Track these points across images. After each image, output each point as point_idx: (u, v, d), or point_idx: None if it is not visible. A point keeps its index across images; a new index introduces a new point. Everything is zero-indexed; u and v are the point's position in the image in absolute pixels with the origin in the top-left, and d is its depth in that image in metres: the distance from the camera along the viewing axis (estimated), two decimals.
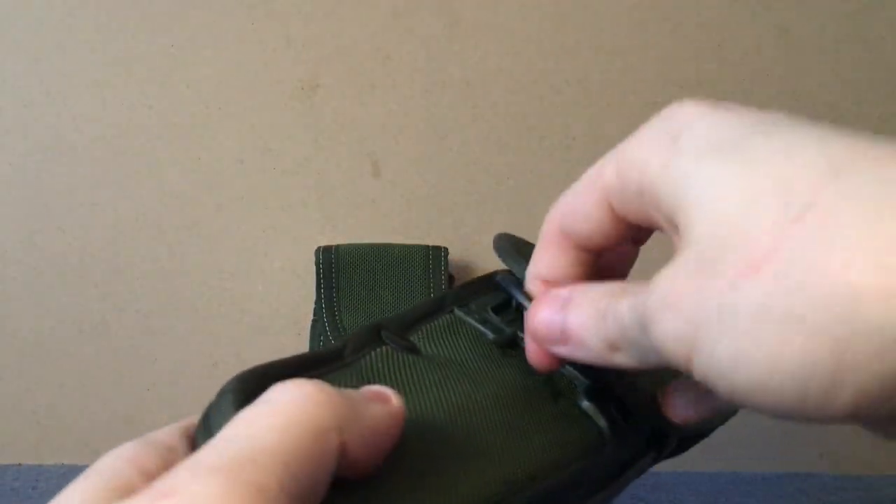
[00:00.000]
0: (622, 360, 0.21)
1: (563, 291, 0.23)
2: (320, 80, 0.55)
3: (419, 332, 0.27)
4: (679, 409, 0.26)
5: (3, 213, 0.55)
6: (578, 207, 0.23)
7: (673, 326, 0.17)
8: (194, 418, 0.20)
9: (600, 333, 0.21)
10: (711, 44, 0.55)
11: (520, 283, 0.27)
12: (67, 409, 0.57)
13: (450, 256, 0.53)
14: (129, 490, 0.17)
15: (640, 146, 0.20)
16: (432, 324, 0.27)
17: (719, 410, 0.25)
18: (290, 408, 0.17)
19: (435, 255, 0.52)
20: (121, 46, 0.54)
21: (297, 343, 0.56)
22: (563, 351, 0.23)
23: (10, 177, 0.54)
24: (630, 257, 0.27)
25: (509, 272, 0.28)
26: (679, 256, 0.18)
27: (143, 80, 0.54)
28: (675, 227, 0.19)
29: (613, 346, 0.21)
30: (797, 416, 0.16)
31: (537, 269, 0.25)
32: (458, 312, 0.28)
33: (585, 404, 0.26)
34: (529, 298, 0.25)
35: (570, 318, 0.22)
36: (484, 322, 0.28)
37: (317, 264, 0.52)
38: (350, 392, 0.19)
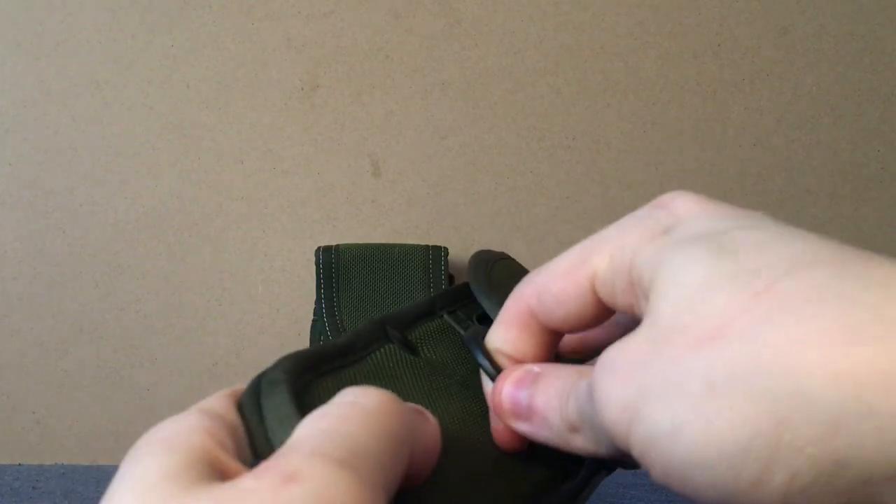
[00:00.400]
0: (580, 443, 0.21)
1: (535, 367, 0.23)
2: (320, 80, 0.55)
3: (415, 333, 0.27)
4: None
5: (3, 213, 0.55)
6: (557, 291, 0.22)
7: (617, 393, 0.18)
8: (235, 390, 0.20)
9: (563, 413, 0.21)
10: (711, 44, 0.55)
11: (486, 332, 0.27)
12: (67, 409, 0.57)
13: (450, 256, 0.53)
14: (218, 467, 0.16)
15: (634, 234, 0.21)
16: (426, 326, 0.28)
17: None
18: (379, 415, 0.17)
19: (435, 255, 0.52)
20: (121, 46, 0.54)
21: (297, 343, 0.56)
22: (525, 428, 0.23)
23: (10, 177, 0.54)
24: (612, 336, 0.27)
25: (477, 330, 0.27)
26: (634, 331, 0.18)
27: (143, 80, 0.54)
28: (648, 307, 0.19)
29: (573, 427, 0.21)
30: (728, 499, 0.16)
31: (499, 346, 0.24)
32: (447, 318, 0.28)
33: None
34: (495, 366, 0.24)
35: (537, 394, 0.22)
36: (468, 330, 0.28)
37: (317, 264, 0.52)
38: (409, 407, 0.20)
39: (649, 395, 0.17)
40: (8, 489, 0.54)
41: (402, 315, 0.27)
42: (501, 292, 0.28)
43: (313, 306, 0.53)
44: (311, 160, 0.55)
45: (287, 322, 0.57)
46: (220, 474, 0.16)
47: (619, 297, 0.21)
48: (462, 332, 0.28)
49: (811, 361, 0.14)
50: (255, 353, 0.57)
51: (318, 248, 0.52)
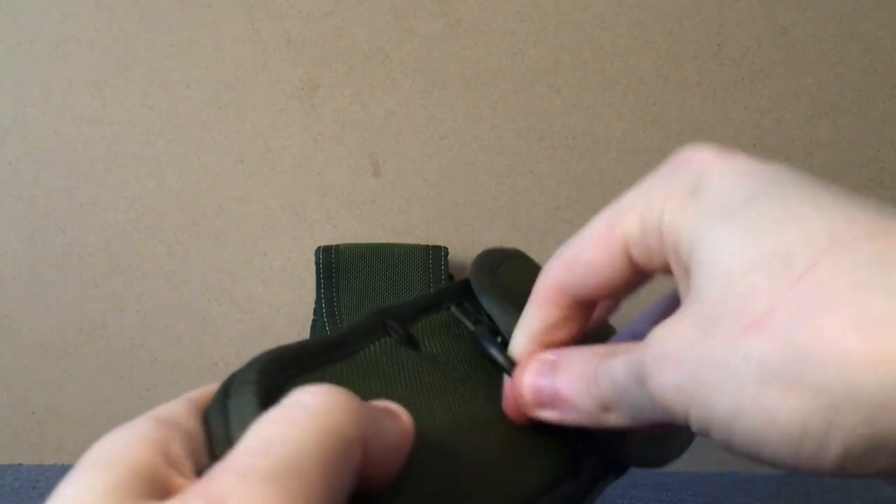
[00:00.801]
0: (614, 420, 0.21)
1: (549, 355, 0.23)
2: (320, 80, 0.55)
3: (418, 326, 0.26)
4: (636, 455, 0.26)
5: (3, 213, 0.55)
6: (589, 260, 0.22)
7: (672, 380, 0.18)
8: (202, 392, 0.20)
9: (592, 394, 0.21)
10: (711, 44, 0.55)
11: (496, 333, 0.27)
12: (67, 409, 0.57)
13: (450, 256, 0.53)
14: (161, 482, 0.16)
15: (660, 193, 0.21)
16: (431, 319, 0.27)
17: (674, 453, 0.27)
18: (323, 415, 0.17)
19: (435, 255, 0.52)
20: (121, 46, 0.54)
21: None
22: (551, 415, 0.23)
23: (10, 177, 0.54)
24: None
25: (486, 325, 0.27)
26: (679, 313, 0.19)
27: (143, 80, 0.54)
28: (688, 280, 0.20)
29: (606, 407, 0.21)
30: (791, 467, 0.17)
31: (535, 326, 0.24)
32: (455, 311, 0.28)
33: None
34: (509, 360, 0.24)
35: (559, 381, 0.22)
36: (476, 324, 0.28)
37: (317, 264, 0.52)
38: (370, 404, 0.19)
39: (703, 382, 0.17)
40: (8, 489, 0.54)
41: (406, 307, 0.27)
42: (504, 290, 0.28)
43: (313, 306, 0.53)
44: (311, 160, 0.55)
45: (287, 322, 0.57)
46: (163, 490, 0.16)
47: (654, 258, 0.21)
48: (471, 325, 0.27)
49: (854, 350, 0.15)
50: (255, 353, 0.56)
51: (318, 248, 0.52)
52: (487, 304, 0.28)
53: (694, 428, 0.18)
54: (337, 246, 0.52)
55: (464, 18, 0.54)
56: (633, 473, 0.55)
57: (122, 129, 0.54)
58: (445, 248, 0.53)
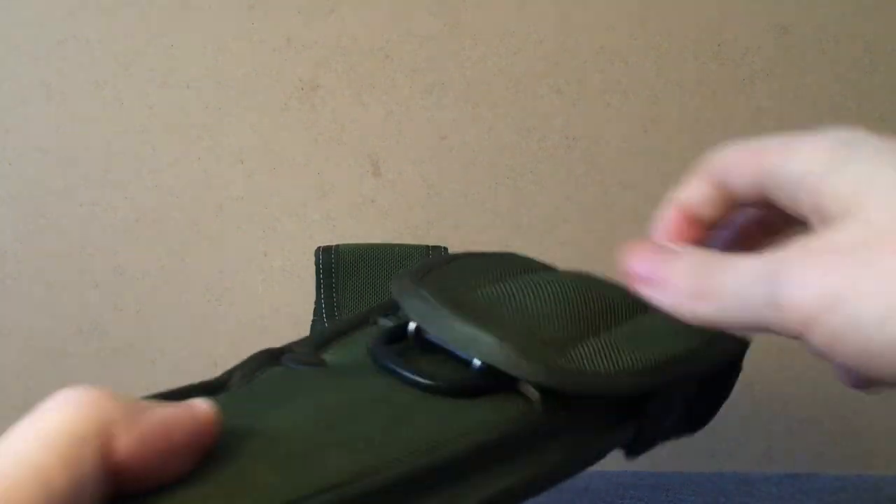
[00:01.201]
0: (704, 310, 0.21)
1: (672, 245, 0.24)
2: (320, 80, 0.55)
3: (335, 346, 0.25)
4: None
5: (3, 213, 0.55)
6: (737, 165, 0.24)
7: (820, 282, 0.19)
8: None
9: (696, 277, 0.21)
10: (711, 44, 0.55)
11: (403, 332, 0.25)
12: None
13: None
14: None
15: (814, 147, 0.22)
16: (351, 336, 0.26)
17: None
18: (51, 414, 0.17)
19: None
20: (121, 46, 0.54)
21: None
22: (651, 292, 0.23)
23: (10, 177, 0.54)
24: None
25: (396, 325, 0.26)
26: (837, 227, 0.20)
27: (143, 80, 0.54)
28: (823, 217, 0.21)
29: (702, 296, 0.21)
30: None
31: (677, 195, 0.26)
32: (382, 321, 0.27)
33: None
34: (409, 365, 0.23)
35: (669, 261, 0.23)
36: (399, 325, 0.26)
37: (317, 264, 0.52)
38: (132, 398, 0.19)
39: (858, 282, 0.18)
40: None
41: (319, 335, 0.26)
42: (437, 288, 0.26)
43: (313, 306, 0.53)
44: (311, 160, 0.55)
45: (287, 322, 0.57)
46: None
47: (779, 194, 0.22)
48: (392, 324, 0.26)
49: None
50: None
51: (318, 248, 0.52)
52: (408, 307, 0.26)
53: (817, 338, 0.19)
54: (337, 246, 0.52)
55: (464, 18, 0.54)
56: (633, 474, 0.55)
57: (122, 129, 0.54)
58: (445, 249, 0.53)
